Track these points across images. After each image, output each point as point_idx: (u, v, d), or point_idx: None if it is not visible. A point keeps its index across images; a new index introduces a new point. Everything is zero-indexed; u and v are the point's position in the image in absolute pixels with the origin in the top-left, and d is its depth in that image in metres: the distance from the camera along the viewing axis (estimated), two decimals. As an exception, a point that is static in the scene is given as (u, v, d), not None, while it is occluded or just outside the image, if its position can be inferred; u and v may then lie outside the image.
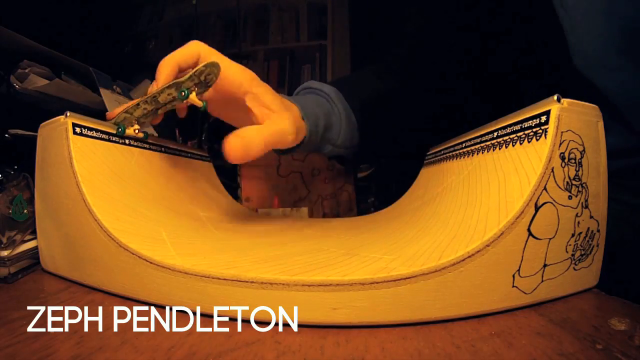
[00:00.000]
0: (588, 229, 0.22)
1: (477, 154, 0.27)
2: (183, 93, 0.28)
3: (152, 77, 0.30)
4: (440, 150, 0.37)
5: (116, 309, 0.21)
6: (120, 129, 0.30)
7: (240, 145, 0.27)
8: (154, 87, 0.30)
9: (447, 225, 0.23)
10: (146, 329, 0.19)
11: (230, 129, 0.31)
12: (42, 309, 0.21)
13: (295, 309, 0.19)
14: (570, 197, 0.21)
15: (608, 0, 0.30)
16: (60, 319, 0.20)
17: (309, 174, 0.60)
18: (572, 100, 0.21)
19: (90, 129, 0.27)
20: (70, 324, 0.19)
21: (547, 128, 0.20)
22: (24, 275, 0.27)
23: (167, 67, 0.29)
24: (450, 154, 0.32)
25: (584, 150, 0.22)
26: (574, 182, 0.21)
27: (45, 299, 0.23)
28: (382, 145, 0.53)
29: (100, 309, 0.21)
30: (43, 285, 0.26)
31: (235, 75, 0.30)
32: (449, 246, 0.20)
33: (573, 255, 0.22)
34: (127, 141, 0.31)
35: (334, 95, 0.40)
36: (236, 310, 0.20)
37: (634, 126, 0.32)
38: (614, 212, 0.24)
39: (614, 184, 0.24)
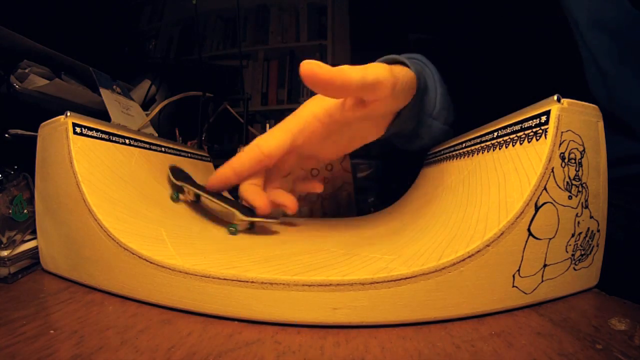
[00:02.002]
0: (588, 229, 0.22)
1: (477, 154, 0.27)
2: (232, 229, 0.29)
3: (152, 77, 0.31)
4: (440, 150, 0.37)
5: (116, 308, 0.21)
6: (175, 195, 0.31)
7: (332, 69, 0.23)
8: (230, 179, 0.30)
9: (447, 225, 0.23)
10: (146, 329, 0.19)
11: (224, 132, 0.31)
12: (42, 309, 0.21)
13: (295, 309, 0.19)
14: (570, 197, 0.21)
15: (602, 15, 0.31)
16: (60, 319, 0.20)
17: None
18: (572, 100, 0.21)
19: (91, 129, 0.27)
20: (70, 324, 0.19)
21: (547, 128, 0.20)
22: (24, 275, 0.27)
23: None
24: (450, 154, 0.32)
25: (584, 150, 0.22)
26: (574, 182, 0.21)
27: (45, 299, 0.23)
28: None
29: (100, 308, 0.21)
30: (43, 285, 0.26)
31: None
32: (449, 246, 0.20)
33: (573, 255, 0.22)
34: (127, 141, 0.31)
35: (422, 57, 0.35)
36: (236, 310, 0.20)
37: (637, 133, 0.32)
38: (616, 219, 0.24)
39: (617, 192, 0.24)
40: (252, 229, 0.31)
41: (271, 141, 0.29)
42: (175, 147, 0.41)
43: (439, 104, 0.34)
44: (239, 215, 0.29)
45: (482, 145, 0.26)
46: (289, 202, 0.32)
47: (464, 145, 0.30)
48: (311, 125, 0.29)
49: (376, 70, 0.25)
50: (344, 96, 0.25)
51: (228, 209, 0.29)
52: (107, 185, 0.26)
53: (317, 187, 0.35)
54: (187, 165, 0.41)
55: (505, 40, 0.38)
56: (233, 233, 0.29)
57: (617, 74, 0.31)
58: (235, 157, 0.30)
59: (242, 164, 0.30)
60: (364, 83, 0.24)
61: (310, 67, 0.22)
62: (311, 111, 0.29)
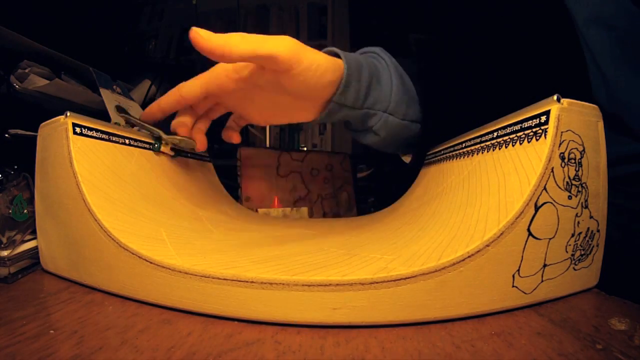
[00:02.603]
0: (588, 229, 0.22)
1: (477, 154, 0.27)
2: (156, 145, 0.34)
3: (152, 77, 0.32)
4: (440, 150, 0.37)
5: (116, 308, 0.21)
6: (156, 145, 0.35)
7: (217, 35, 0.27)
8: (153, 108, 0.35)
9: (447, 225, 0.23)
10: (146, 329, 0.19)
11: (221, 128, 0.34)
12: (42, 309, 0.21)
13: (295, 309, 0.19)
14: (570, 197, 0.21)
15: (600, 12, 0.31)
16: (60, 319, 0.20)
17: (308, 174, 0.60)
18: (572, 100, 0.21)
19: (91, 129, 0.27)
20: (70, 324, 0.19)
21: (547, 128, 0.20)
22: (24, 275, 0.27)
23: (173, 99, 0.34)
24: (450, 154, 0.32)
25: (583, 150, 0.22)
26: (573, 182, 0.21)
27: (45, 299, 0.23)
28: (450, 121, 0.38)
29: (100, 308, 0.21)
30: (43, 285, 0.26)
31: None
32: (449, 246, 0.20)
33: (573, 255, 0.22)
34: (127, 141, 0.31)
35: (381, 51, 0.36)
36: (236, 310, 0.20)
37: (635, 132, 0.32)
38: (616, 218, 0.24)
39: (616, 190, 0.24)
40: (175, 156, 0.37)
41: (188, 86, 0.33)
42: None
43: (394, 99, 0.34)
44: (163, 134, 0.34)
45: (482, 145, 0.26)
46: (200, 140, 0.37)
47: (463, 145, 0.30)
48: (220, 77, 0.32)
49: (276, 45, 0.27)
50: (232, 62, 0.29)
51: (153, 130, 0.35)
52: (107, 185, 0.26)
53: (234, 138, 0.39)
54: (186, 165, 0.41)
55: (507, 39, 0.38)
56: (156, 149, 0.34)
57: (616, 72, 0.31)
58: (163, 96, 0.35)
59: (166, 102, 0.34)
60: (254, 55, 0.27)
61: (193, 36, 0.26)
62: (222, 66, 0.32)
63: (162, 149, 0.35)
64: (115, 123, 0.35)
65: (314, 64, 0.29)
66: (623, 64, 0.31)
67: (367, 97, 0.33)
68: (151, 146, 0.34)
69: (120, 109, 0.39)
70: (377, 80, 0.33)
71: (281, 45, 0.27)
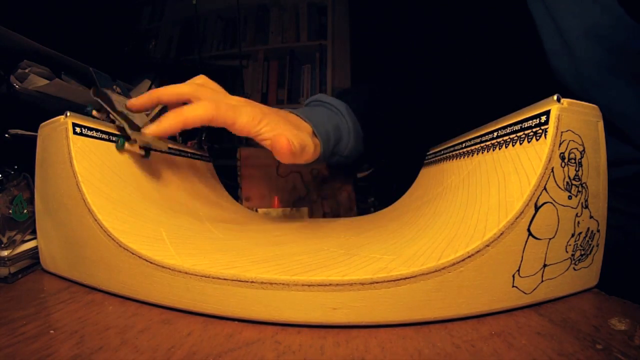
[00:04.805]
0: (588, 229, 0.22)
1: (477, 154, 0.27)
2: (119, 141, 0.29)
3: (152, 77, 0.31)
4: (440, 150, 0.37)
5: (116, 308, 0.21)
6: (120, 141, 0.30)
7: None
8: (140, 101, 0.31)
9: (447, 225, 0.23)
10: (146, 329, 0.19)
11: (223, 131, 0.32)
12: (42, 309, 0.21)
13: (295, 309, 0.19)
14: (570, 197, 0.21)
15: (597, 25, 0.32)
16: (60, 319, 0.20)
17: (308, 174, 0.60)
18: (572, 100, 0.21)
19: (91, 129, 0.27)
20: (70, 324, 0.19)
21: (547, 128, 0.20)
22: (24, 275, 0.27)
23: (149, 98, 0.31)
24: (450, 154, 0.32)
25: (583, 150, 0.22)
26: (573, 182, 0.21)
27: (45, 299, 0.23)
28: (385, 151, 0.56)
29: (100, 308, 0.21)
30: (43, 285, 0.26)
31: (242, 128, 0.30)
32: (449, 246, 0.20)
33: (573, 255, 0.22)
34: (127, 141, 0.31)
35: (344, 110, 0.43)
36: (236, 310, 0.20)
37: (630, 137, 0.32)
38: (609, 220, 0.24)
39: (612, 193, 0.24)
40: (146, 156, 0.31)
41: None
42: (175, 147, 0.41)
43: (349, 148, 0.43)
44: (127, 128, 0.29)
45: (482, 145, 0.26)
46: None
47: (463, 145, 0.30)
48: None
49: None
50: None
51: (120, 121, 0.29)
52: (107, 185, 0.26)
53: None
54: (186, 165, 0.41)
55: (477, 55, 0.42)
56: (118, 147, 0.29)
57: (609, 83, 0.32)
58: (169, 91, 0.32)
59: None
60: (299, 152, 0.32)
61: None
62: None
63: (127, 146, 0.30)
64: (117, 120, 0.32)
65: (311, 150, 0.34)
66: (617, 74, 0.32)
67: (332, 153, 0.41)
68: (116, 142, 0.29)
69: (101, 93, 0.32)
70: (339, 141, 0.41)
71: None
